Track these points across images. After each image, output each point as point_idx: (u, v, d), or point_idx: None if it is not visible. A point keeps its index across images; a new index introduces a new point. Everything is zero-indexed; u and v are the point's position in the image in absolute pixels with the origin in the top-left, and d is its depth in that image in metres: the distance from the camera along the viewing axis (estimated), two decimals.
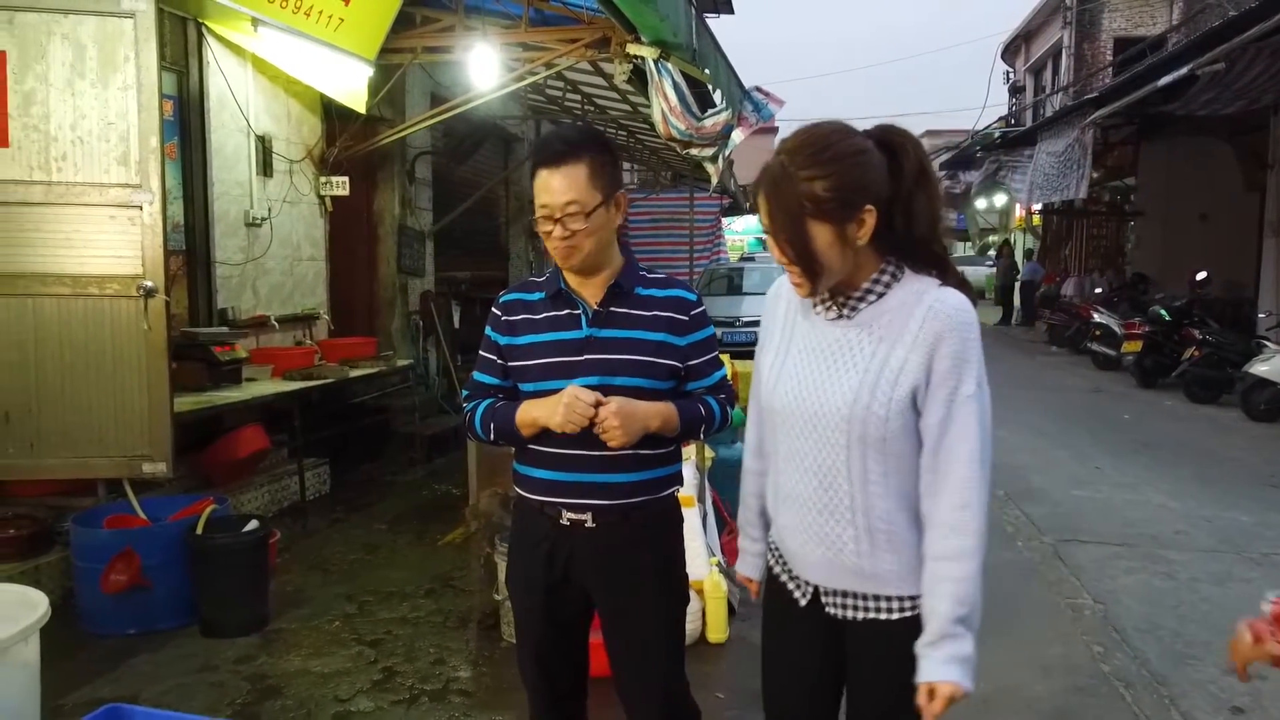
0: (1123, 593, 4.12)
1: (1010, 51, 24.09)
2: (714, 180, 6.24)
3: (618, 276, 1.86)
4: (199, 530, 3.54)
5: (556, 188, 1.75)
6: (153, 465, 3.82)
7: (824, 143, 1.42)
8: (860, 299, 1.49)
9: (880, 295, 1.48)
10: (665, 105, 5.24)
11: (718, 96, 5.36)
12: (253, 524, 3.66)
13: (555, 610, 1.92)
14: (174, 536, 3.57)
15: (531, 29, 5.82)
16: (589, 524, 1.84)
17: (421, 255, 7.85)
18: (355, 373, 5.64)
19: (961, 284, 1.49)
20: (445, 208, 8.32)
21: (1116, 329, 10.96)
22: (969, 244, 24.55)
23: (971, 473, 1.42)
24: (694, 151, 5.71)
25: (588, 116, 8.97)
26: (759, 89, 5.67)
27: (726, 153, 5.62)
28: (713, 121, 5.29)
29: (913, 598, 1.50)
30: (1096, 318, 11.64)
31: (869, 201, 1.41)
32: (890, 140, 1.47)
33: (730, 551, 3.88)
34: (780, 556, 1.68)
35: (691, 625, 3.43)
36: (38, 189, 3.65)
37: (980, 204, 18.19)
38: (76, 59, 3.63)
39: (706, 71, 5.07)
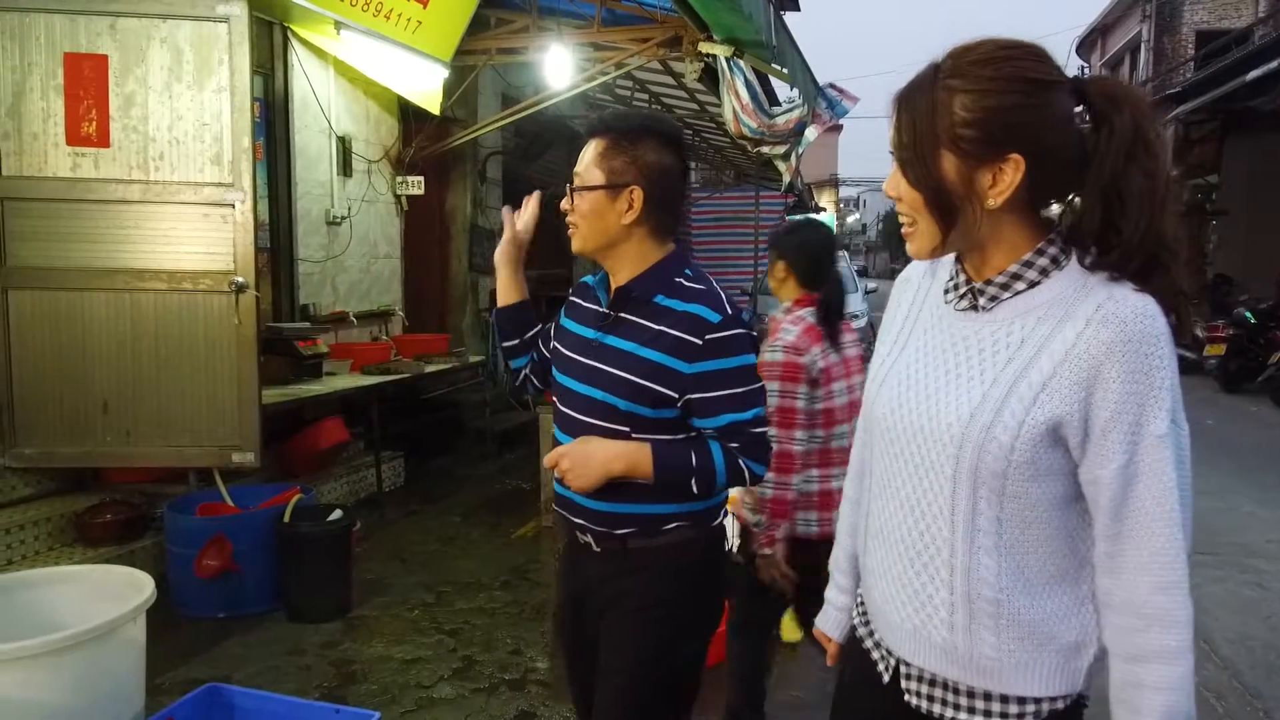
0: (1210, 602, 4.00)
1: (1085, 46, 23.44)
2: (785, 178, 6.21)
3: (631, 279, 1.67)
4: (286, 518, 3.65)
5: (579, 160, 1.69)
6: (241, 455, 3.95)
7: (993, 55, 1.06)
8: (1004, 286, 1.12)
9: (1031, 284, 1.11)
10: (737, 103, 5.24)
11: (793, 94, 5.33)
12: (336, 513, 3.76)
13: (575, 626, 1.81)
14: (263, 524, 3.69)
15: (604, 29, 5.87)
16: (595, 547, 1.71)
17: (491, 253, 7.94)
18: (429, 368, 5.75)
19: (1168, 291, 1.07)
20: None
21: (1198, 331, 10.61)
22: None
23: (1172, 542, 1.04)
24: (765, 149, 5.69)
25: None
26: (833, 85, 5.63)
27: (800, 150, 5.59)
28: (785, 119, 5.27)
29: (1032, 700, 1.14)
30: None
31: (1016, 149, 1.05)
32: (1101, 92, 1.08)
33: None
34: (865, 611, 1.33)
35: None
36: (136, 188, 3.80)
37: None
38: (174, 62, 3.77)
39: (784, 70, 5.04)
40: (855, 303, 12.34)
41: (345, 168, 5.88)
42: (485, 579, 4.13)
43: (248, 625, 3.56)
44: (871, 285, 14.77)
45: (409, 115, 6.46)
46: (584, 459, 1.59)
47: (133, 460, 3.99)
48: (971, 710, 1.16)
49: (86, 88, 3.74)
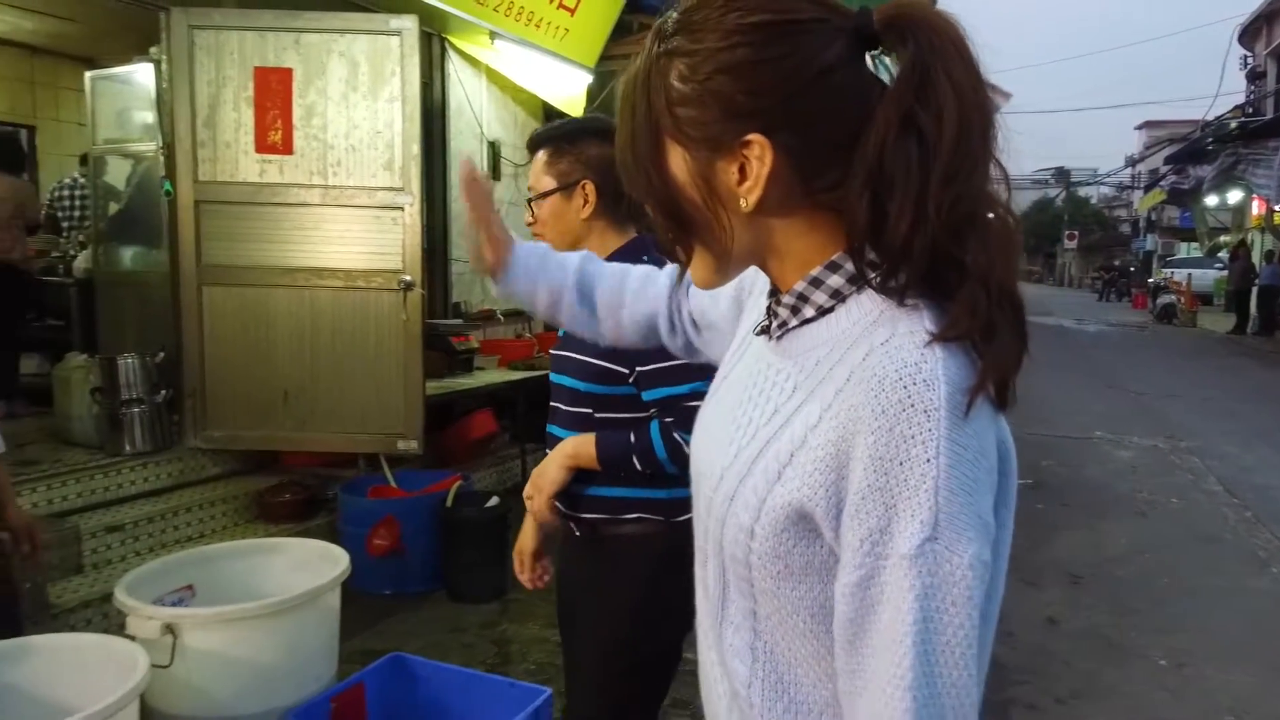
0: None
1: (1249, 34, 21.89)
2: None
3: None
4: (449, 503, 3.86)
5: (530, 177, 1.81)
6: (406, 442, 4.19)
7: (713, 4, 0.74)
8: (792, 310, 0.80)
9: (822, 311, 0.78)
10: None
11: None
12: (494, 500, 3.94)
13: (563, 608, 1.86)
14: (427, 507, 3.91)
15: None
16: (575, 531, 1.75)
17: None
18: None
19: (975, 326, 0.69)
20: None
21: None
22: (1195, 245, 22.52)
23: (899, 713, 0.66)
24: None
25: None
26: None
27: None
28: None
29: None
30: None
31: (756, 126, 0.73)
32: (885, 22, 0.72)
33: None
34: None
35: None
36: (315, 192, 4.09)
37: (1211, 200, 16.67)
38: (351, 74, 4.04)
39: None
40: None
41: (495, 171, 6.14)
42: None
43: (412, 603, 3.78)
44: None
45: (552, 120, 6.67)
46: (537, 477, 1.68)
47: (308, 445, 4.29)
48: None
49: (273, 99, 4.05)
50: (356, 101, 4.05)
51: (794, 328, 0.80)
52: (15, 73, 7.31)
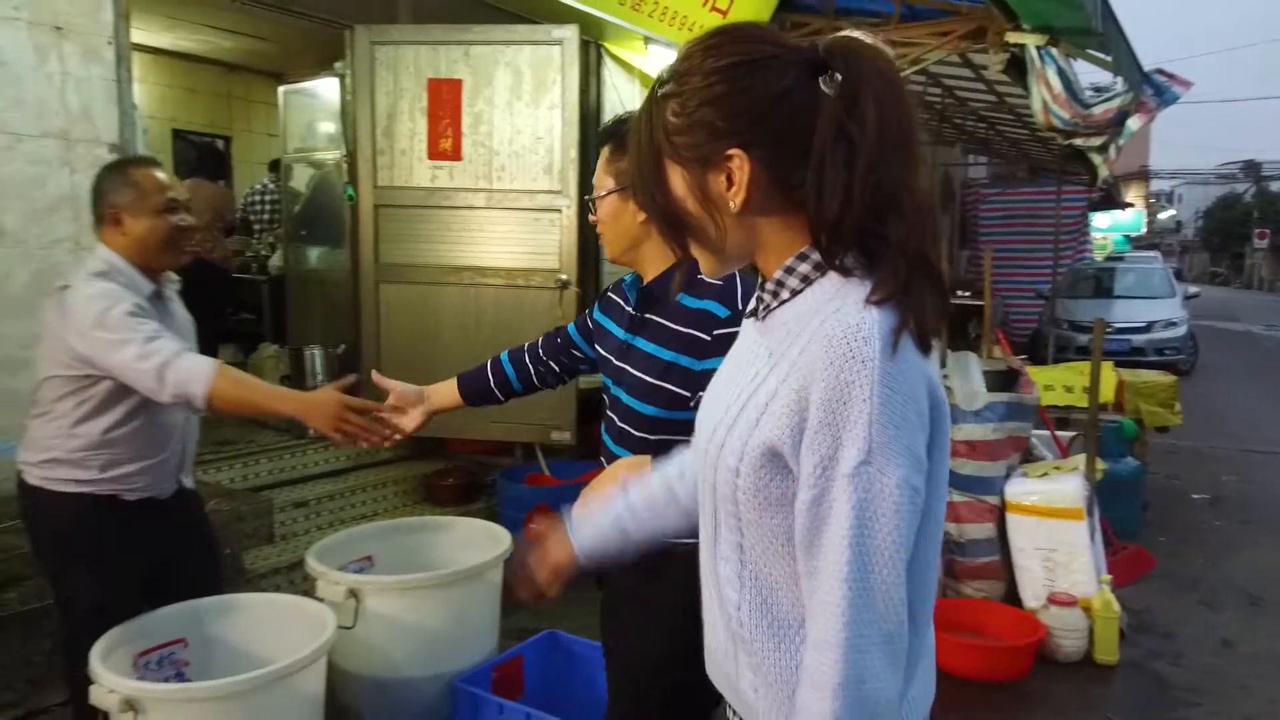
0: None
1: None
2: (1102, 172, 5.80)
3: (654, 279, 1.67)
4: None
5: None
6: (560, 433, 4.39)
7: (693, 51, 0.96)
8: (773, 294, 1.00)
9: (795, 293, 0.98)
10: (1047, 94, 4.98)
11: (1114, 81, 4.98)
12: None
13: (605, 605, 1.84)
14: (580, 495, 4.06)
15: (902, 25, 5.80)
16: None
17: None
18: None
19: (897, 288, 0.89)
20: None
21: None
22: None
23: (839, 599, 0.86)
24: (1077, 141, 5.36)
25: (947, 109, 8.71)
26: (1160, 71, 5.18)
27: (1121, 141, 5.21)
28: (1104, 108, 4.93)
29: None
30: None
31: (733, 143, 0.93)
32: (832, 52, 0.92)
33: (1115, 571, 3.64)
34: None
35: (1077, 643, 3.29)
36: (481, 195, 4.34)
37: None
38: (515, 83, 4.26)
39: (1107, 56, 4.74)
40: (1173, 309, 11.15)
41: None
42: None
43: (564, 587, 3.94)
44: (1193, 289, 13.06)
45: None
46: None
47: (471, 433, 4.55)
48: None
49: (444, 108, 4.32)
50: (520, 109, 4.27)
51: (774, 308, 0.99)
52: (215, 88, 8.04)
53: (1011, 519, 3.49)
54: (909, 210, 0.90)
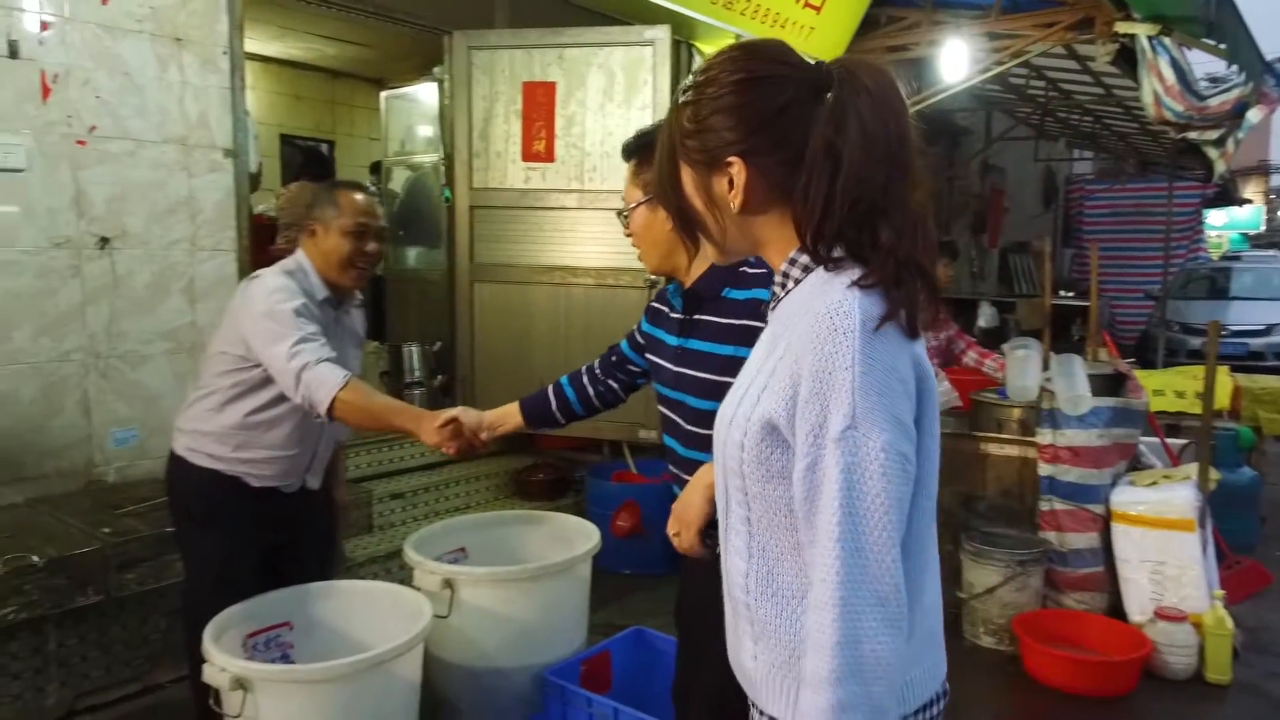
0: None
1: None
2: (1219, 166, 5.51)
3: (696, 280, 1.70)
4: None
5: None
6: (647, 432, 4.41)
7: (711, 64, 1.06)
8: (781, 285, 1.09)
9: (797, 283, 1.07)
10: (1159, 85, 4.76)
11: (1230, 70, 4.73)
12: None
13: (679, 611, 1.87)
14: (667, 493, 4.08)
15: (1003, 17, 5.63)
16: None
17: None
18: None
19: (883, 279, 0.97)
20: None
21: None
22: None
23: (832, 560, 0.92)
24: (1191, 135, 5.11)
25: (1050, 103, 8.41)
26: None
27: (1239, 135, 4.94)
28: (1220, 100, 4.69)
29: None
30: None
31: (730, 151, 1.03)
32: (836, 73, 1.01)
33: (1229, 586, 3.46)
34: None
35: (1187, 661, 3.15)
36: (573, 196, 4.39)
37: None
38: (607, 84, 4.30)
39: (1222, 45, 4.50)
40: None
41: None
42: None
43: (651, 583, 3.97)
44: None
45: None
46: (681, 511, 1.47)
47: (560, 430, 4.61)
48: None
49: (538, 111, 4.39)
50: (611, 110, 4.31)
51: (782, 298, 1.08)
52: (319, 94, 8.35)
53: (1117, 529, 3.35)
54: (897, 217, 0.98)
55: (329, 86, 8.39)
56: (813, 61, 1.04)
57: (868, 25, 6.03)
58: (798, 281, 1.06)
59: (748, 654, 1.08)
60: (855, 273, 0.98)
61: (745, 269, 1.69)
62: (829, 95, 0.99)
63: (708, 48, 5.78)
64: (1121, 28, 4.92)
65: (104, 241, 3.23)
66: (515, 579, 2.47)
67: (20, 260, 3.05)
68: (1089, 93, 8.05)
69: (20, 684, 2.76)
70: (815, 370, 0.94)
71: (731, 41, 5.43)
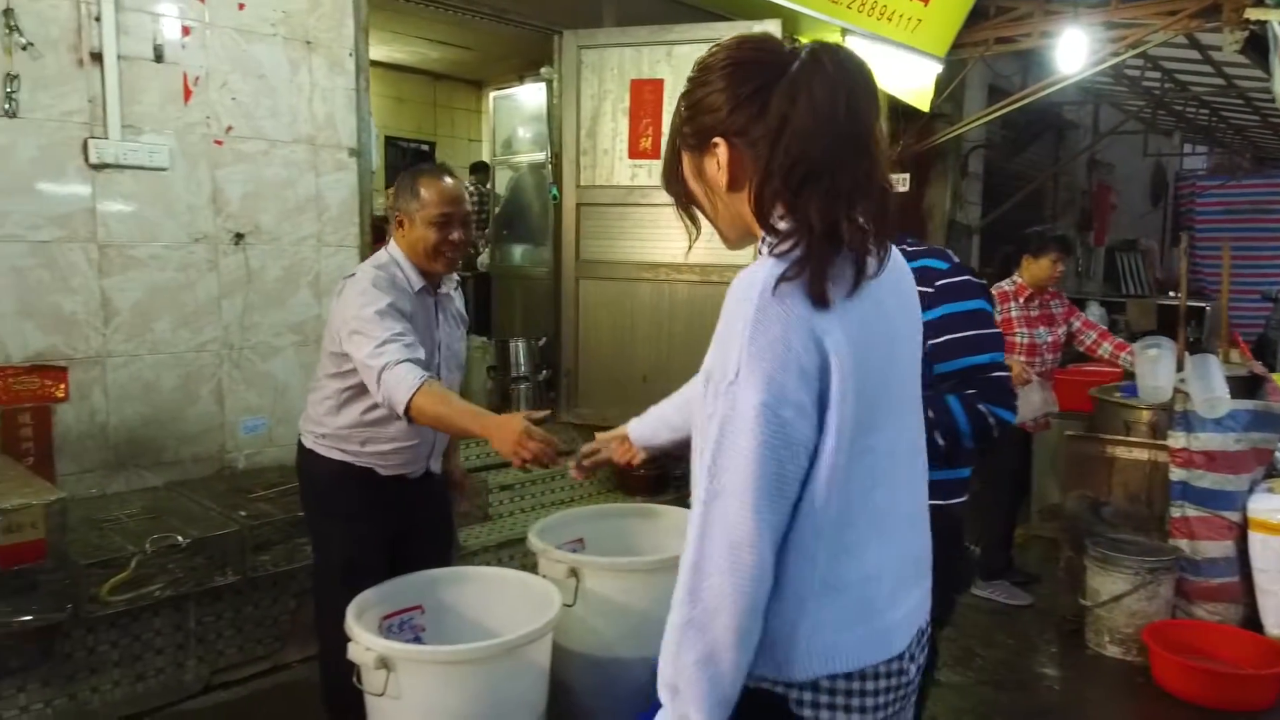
0: None
1: None
2: None
3: None
4: None
5: None
6: None
7: (707, 56, 1.15)
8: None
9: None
10: None
11: None
12: None
13: None
14: None
15: (1123, 6, 5.42)
16: None
17: (968, 250, 7.79)
18: None
19: (791, 250, 1.03)
20: (993, 202, 8.13)
21: None
22: None
23: (700, 495, 1.03)
24: None
25: (1166, 95, 8.06)
26: None
27: None
28: None
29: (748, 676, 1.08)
30: None
31: (715, 132, 1.11)
32: (793, 60, 1.07)
33: None
34: None
35: None
36: None
37: None
38: None
39: None
40: None
41: None
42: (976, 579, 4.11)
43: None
44: None
45: (896, 113, 6.55)
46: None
47: None
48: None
49: (645, 108, 4.41)
50: None
51: None
52: (422, 96, 8.56)
53: (1255, 537, 3.19)
54: (834, 183, 1.03)
55: (430, 89, 8.59)
56: (789, 48, 1.10)
57: (976, 16, 5.88)
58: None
59: None
60: (785, 244, 1.04)
61: (905, 247, 1.76)
62: (790, 70, 1.05)
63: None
64: (1253, 14, 4.68)
65: (238, 237, 3.38)
66: (638, 570, 2.49)
67: (163, 255, 3.21)
68: (1207, 84, 7.68)
69: (163, 659, 2.91)
70: (721, 332, 1.06)
71: (837, 35, 5.37)
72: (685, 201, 1.21)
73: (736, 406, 1.00)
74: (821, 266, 1.02)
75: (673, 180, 1.21)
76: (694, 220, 1.22)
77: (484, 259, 5.96)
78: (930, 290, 1.73)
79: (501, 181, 5.80)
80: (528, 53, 6.07)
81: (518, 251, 5.52)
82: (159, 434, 3.26)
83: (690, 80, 1.16)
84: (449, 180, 2.32)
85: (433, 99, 8.68)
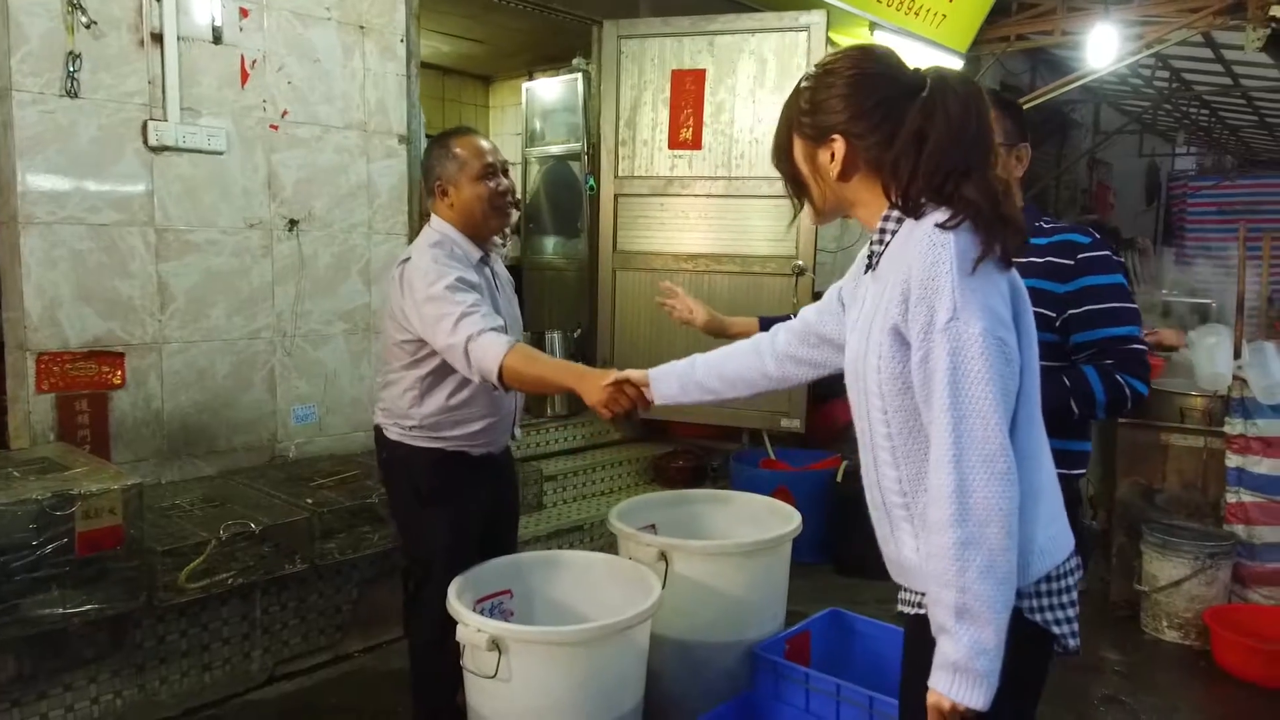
0: None
1: None
2: None
3: None
4: (839, 479, 3.99)
5: None
6: (789, 420, 4.39)
7: (834, 59, 1.34)
8: (879, 241, 1.34)
9: (893, 234, 1.31)
10: None
11: None
12: None
13: None
14: (817, 482, 4.07)
15: (1146, 2, 5.48)
16: None
17: None
18: None
19: (978, 219, 1.20)
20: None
21: None
22: None
23: (944, 426, 1.16)
24: None
25: (1170, 94, 8.17)
26: None
27: None
28: None
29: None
30: None
31: (835, 130, 1.30)
32: (930, 79, 1.28)
33: None
34: None
35: None
36: (720, 183, 4.40)
37: None
38: (758, 71, 4.29)
39: None
40: None
41: None
42: None
43: (804, 572, 3.92)
44: None
45: None
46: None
47: (701, 418, 4.62)
48: (905, 604, 1.36)
49: (686, 98, 4.40)
50: (762, 97, 4.30)
51: (881, 254, 1.32)
52: (431, 91, 8.46)
53: None
54: (976, 182, 1.21)
55: (439, 83, 8.52)
56: (912, 69, 1.31)
57: (998, 13, 5.93)
58: (894, 234, 1.30)
59: (909, 550, 1.29)
60: (941, 215, 1.21)
61: (1042, 224, 1.84)
62: (923, 94, 1.24)
63: (838, 36, 5.74)
64: (1277, 10, 4.75)
65: (292, 223, 3.33)
66: (727, 554, 2.48)
67: (219, 240, 3.17)
68: (1213, 83, 7.80)
69: (229, 648, 2.86)
70: (921, 278, 1.18)
71: (865, 29, 5.40)
72: (792, 181, 1.39)
73: (963, 338, 1.15)
74: (1005, 239, 1.21)
75: (783, 159, 1.39)
76: (800, 197, 1.40)
77: (511, 250, 5.93)
78: (1070, 263, 1.77)
79: (536, 173, 5.76)
80: (537, 48, 6.05)
81: (549, 243, 5.49)
82: (212, 421, 3.21)
83: (814, 78, 1.34)
84: (477, 134, 2.32)
85: (442, 94, 8.61)
